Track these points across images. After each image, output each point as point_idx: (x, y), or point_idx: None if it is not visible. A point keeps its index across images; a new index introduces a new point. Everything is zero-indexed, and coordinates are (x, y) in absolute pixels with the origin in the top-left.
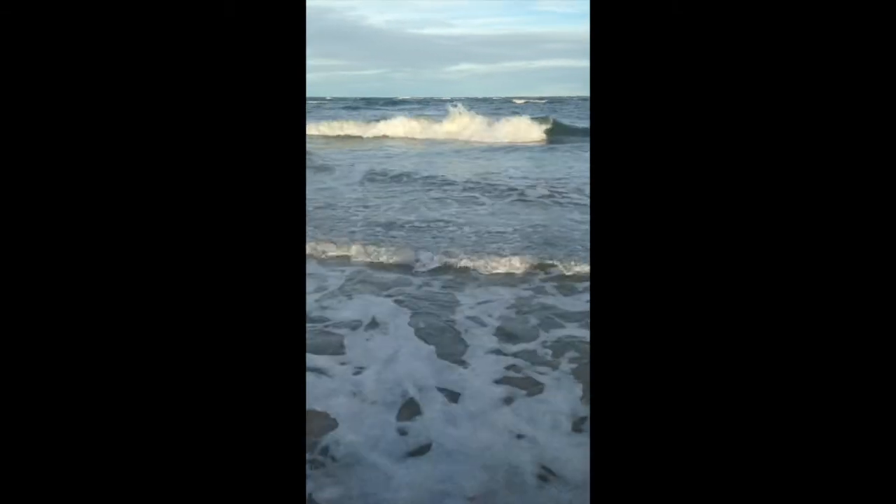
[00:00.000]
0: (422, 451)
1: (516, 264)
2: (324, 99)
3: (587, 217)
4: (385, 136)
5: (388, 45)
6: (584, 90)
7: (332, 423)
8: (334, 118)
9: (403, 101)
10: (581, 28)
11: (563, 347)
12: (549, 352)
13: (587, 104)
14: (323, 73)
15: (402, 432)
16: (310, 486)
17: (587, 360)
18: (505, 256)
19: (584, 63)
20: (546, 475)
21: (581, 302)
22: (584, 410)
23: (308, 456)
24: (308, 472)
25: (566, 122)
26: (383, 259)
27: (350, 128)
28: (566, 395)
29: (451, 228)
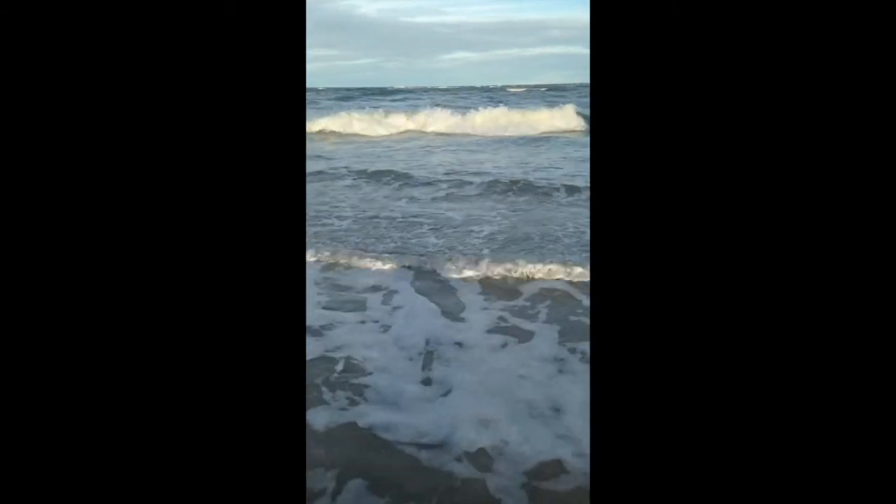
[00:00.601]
0: (448, 391)
1: None
2: (317, 89)
3: None
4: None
5: (380, 34)
6: (580, 77)
7: (366, 368)
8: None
9: (398, 91)
10: (576, 14)
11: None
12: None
13: (587, 90)
14: (316, 63)
15: (427, 380)
16: (355, 414)
17: (558, 305)
18: None
19: (580, 50)
20: (557, 407)
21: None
22: (563, 352)
23: (348, 394)
24: (349, 407)
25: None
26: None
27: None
28: (546, 340)
29: None
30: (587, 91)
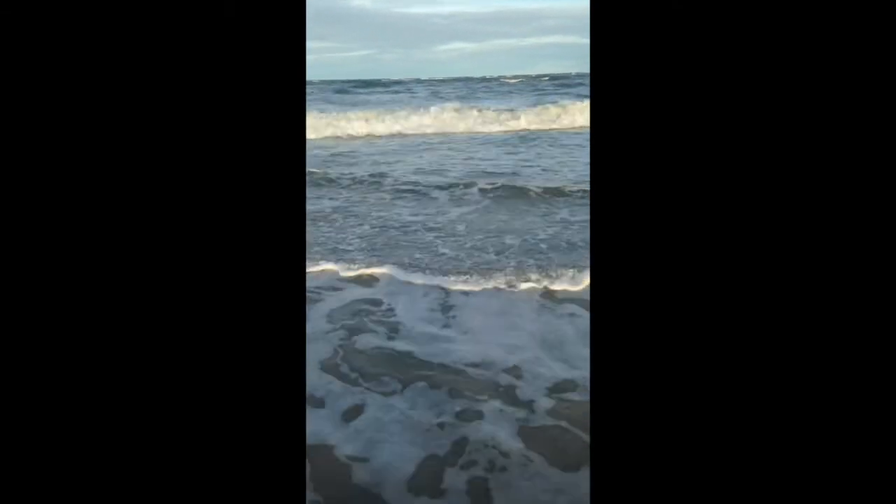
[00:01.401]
0: (466, 331)
1: None
2: (311, 82)
3: None
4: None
5: (375, 25)
6: (579, 67)
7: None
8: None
9: (394, 83)
10: (573, 4)
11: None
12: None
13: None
14: (310, 56)
15: (445, 324)
16: (392, 343)
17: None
18: None
19: (577, 39)
20: (556, 345)
21: None
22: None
23: (382, 325)
24: (383, 338)
25: None
26: None
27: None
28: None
29: None
30: (587, 80)
